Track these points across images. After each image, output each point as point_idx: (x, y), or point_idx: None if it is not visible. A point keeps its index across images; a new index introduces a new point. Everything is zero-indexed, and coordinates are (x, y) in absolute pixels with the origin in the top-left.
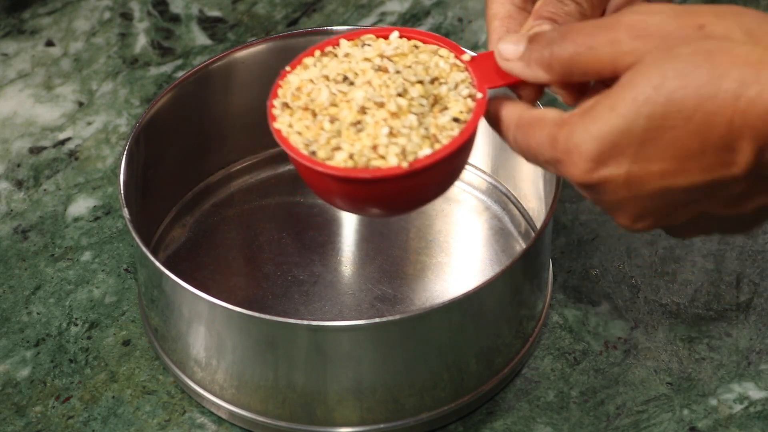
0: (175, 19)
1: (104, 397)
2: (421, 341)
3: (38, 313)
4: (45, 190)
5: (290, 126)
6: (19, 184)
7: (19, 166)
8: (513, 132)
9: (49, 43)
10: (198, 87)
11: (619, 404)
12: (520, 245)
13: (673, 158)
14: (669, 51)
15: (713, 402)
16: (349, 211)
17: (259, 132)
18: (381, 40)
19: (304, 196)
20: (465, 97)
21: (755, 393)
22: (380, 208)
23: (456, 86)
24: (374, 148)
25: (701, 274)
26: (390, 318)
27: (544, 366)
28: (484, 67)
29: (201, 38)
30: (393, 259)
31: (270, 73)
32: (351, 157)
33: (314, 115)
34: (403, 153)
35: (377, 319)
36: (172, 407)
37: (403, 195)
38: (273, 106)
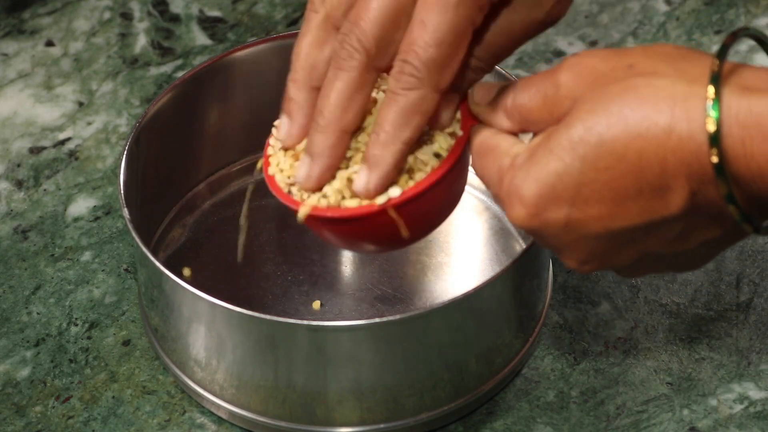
0: (175, 19)
1: (104, 397)
2: (421, 341)
3: (38, 313)
4: (45, 190)
5: (278, 165)
6: (19, 184)
7: (19, 166)
8: (473, 156)
9: (49, 43)
10: (198, 87)
11: (619, 404)
12: (520, 245)
13: (610, 200)
14: (600, 91)
15: (713, 402)
16: (339, 247)
17: (258, 132)
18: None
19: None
20: (450, 135)
21: (755, 393)
22: (362, 244)
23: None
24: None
25: (701, 274)
26: (390, 318)
27: (544, 366)
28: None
29: (201, 38)
30: (393, 259)
31: (270, 73)
32: (324, 196)
33: (296, 157)
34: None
35: (377, 319)
36: (172, 407)
37: (381, 233)
38: (269, 144)
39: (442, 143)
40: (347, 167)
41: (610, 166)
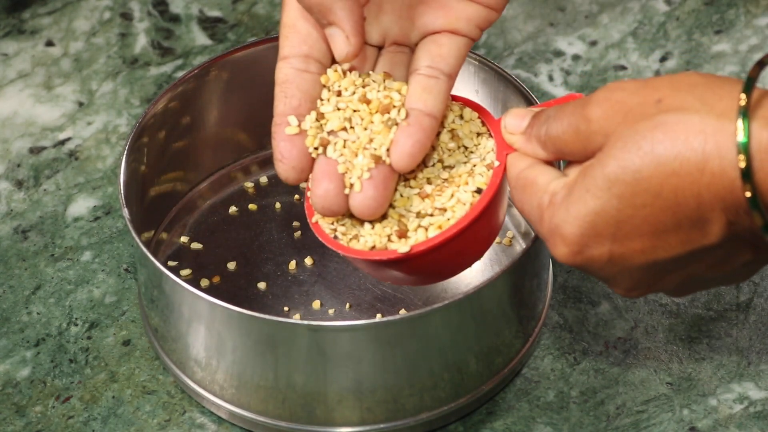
0: (175, 19)
1: (104, 397)
2: (421, 341)
3: (38, 313)
4: (45, 190)
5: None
6: (19, 184)
7: (19, 166)
8: (512, 188)
9: (49, 43)
10: (198, 87)
11: (619, 404)
12: (520, 245)
13: (651, 234)
14: (631, 128)
15: (713, 402)
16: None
17: (258, 132)
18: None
19: (303, 196)
20: (487, 167)
21: (755, 393)
22: (407, 277)
23: (483, 158)
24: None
25: None
26: (390, 318)
27: (544, 366)
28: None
29: (201, 38)
30: None
31: (270, 74)
32: (371, 236)
33: None
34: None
35: (377, 319)
36: (172, 407)
37: (419, 270)
38: (309, 189)
39: (481, 178)
40: (394, 209)
41: (647, 203)
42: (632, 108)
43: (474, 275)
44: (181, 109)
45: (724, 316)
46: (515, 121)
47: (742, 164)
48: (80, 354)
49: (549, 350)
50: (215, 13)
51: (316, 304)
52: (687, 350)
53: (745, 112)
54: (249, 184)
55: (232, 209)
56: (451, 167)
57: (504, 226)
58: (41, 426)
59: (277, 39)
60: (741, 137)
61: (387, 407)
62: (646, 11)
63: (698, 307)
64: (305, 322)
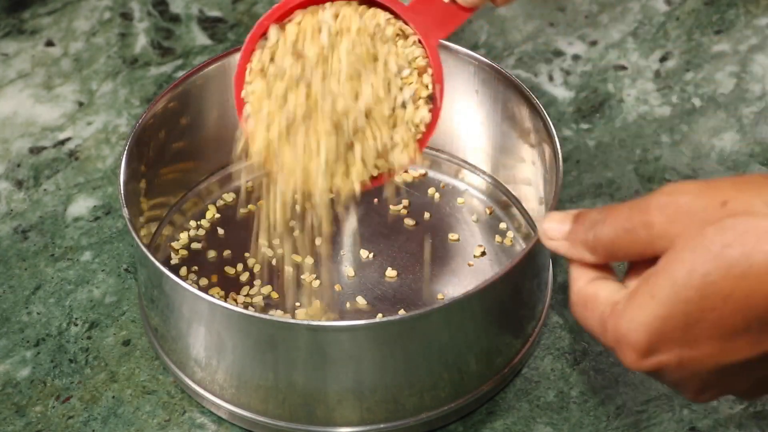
0: (175, 19)
1: (104, 397)
2: (421, 341)
3: (38, 313)
4: (45, 190)
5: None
6: (19, 184)
7: (19, 166)
8: (573, 304)
9: (49, 43)
10: (198, 87)
11: (619, 404)
12: (520, 245)
13: (720, 337)
14: (698, 232)
15: (713, 402)
16: None
17: None
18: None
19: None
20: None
21: None
22: None
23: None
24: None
25: None
26: (390, 318)
27: (544, 366)
28: (426, 19)
29: (201, 38)
30: (393, 259)
31: None
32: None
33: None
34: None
35: (377, 319)
36: (172, 407)
37: None
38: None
39: (424, 109)
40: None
41: (716, 307)
42: (696, 212)
43: (474, 275)
44: (181, 109)
45: None
46: (556, 225)
47: None
48: (80, 354)
49: (549, 350)
50: (215, 13)
51: (317, 304)
52: None
53: None
54: (249, 185)
55: (233, 209)
56: (392, 111)
57: (504, 227)
58: (41, 426)
59: None
60: None
61: (387, 407)
62: (646, 11)
63: None
64: (305, 322)
